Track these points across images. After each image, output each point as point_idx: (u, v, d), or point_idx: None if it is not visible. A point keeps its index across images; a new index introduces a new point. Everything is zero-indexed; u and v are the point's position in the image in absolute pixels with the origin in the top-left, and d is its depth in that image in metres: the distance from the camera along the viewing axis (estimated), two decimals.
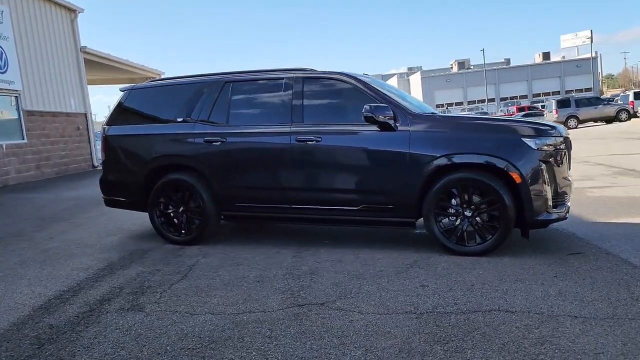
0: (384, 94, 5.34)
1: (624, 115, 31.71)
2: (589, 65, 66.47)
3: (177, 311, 3.80)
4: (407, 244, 5.56)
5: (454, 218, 5.05)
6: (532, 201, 4.76)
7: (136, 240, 6.29)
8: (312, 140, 5.34)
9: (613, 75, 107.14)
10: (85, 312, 3.85)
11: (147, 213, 6.15)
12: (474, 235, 4.98)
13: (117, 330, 3.49)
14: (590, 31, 64.25)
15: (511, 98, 65.47)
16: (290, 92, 5.55)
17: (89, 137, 16.84)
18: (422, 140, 5.04)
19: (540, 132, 4.90)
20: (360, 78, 5.53)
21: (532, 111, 38.52)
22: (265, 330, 3.40)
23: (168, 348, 3.19)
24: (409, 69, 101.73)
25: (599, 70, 70.97)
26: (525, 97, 65.95)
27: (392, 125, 5.09)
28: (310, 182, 5.42)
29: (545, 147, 4.82)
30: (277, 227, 6.78)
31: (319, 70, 5.75)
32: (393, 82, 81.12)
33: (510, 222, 4.82)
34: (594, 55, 67.32)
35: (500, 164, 4.79)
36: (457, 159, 4.92)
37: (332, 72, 5.60)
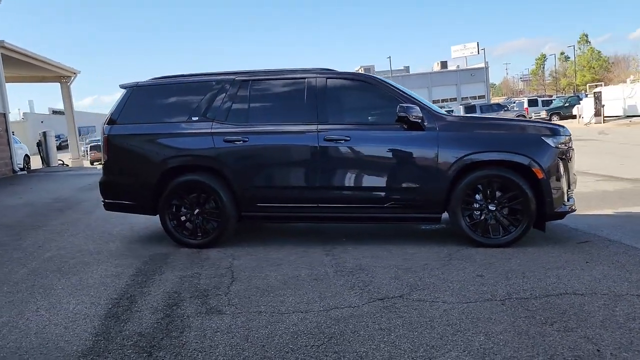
0: (408, 94, 5.55)
1: None
2: (481, 74, 71.78)
3: (260, 311, 3.73)
4: (424, 238, 5.79)
5: (478, 212, 5.36)
6: (552, 195, 5.18)
7: (144, 245, 5.97)
8: (341, 140, 5.41)
9: (495, 84, 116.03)
10: (164, 318, 3.66)
11: (148, 216, 5.89)
12: (498, 228, 5.31)
13: (219, 333, 3.37)
14: (477, 43, 70.04)
15: None
16: (313, 91, 5.58)
17: (8, 140, 15.39)
18: (450, 139, 5.30)
19: (556, 131, 5.35)
20: (382, 79, 5.71)
21: None
22: (371, 323, 3.45)
23: (291, 347, 3.14)
24: None
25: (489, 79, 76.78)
26: None
27: (421, 124, 5.30)
28: (339, 181, 5.49)
29: (560, 145, 5.28)
30: (278, 227, 6.74)
31: (339, 70, 5.83)
32: None
33: (532, 215, 5.21)
34: (484, 65, 72.82)
35: (524, 160, 5.17)
36: (484, 157, 5.23)
37: (355, 72, 5.74)
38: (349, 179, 5.49)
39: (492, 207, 5.31)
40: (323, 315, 3.63)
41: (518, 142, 5.26)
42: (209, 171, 5.69)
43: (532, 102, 39.05)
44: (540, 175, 5.17)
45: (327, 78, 5.66)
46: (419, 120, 5.28)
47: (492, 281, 4.22)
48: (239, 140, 5.58)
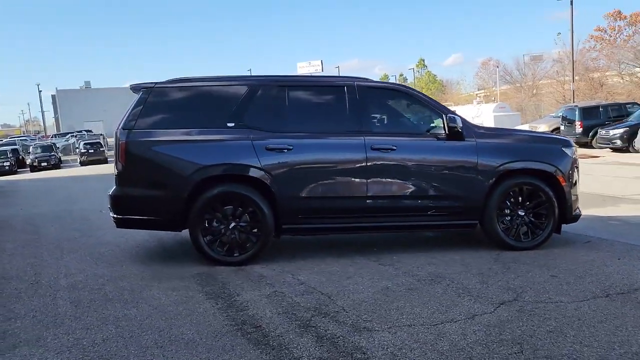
0: (440, 105, 5.76)
1: None
2: None
3: (410, 325, 3.61)
4: (448, 244, 5.99)
5: (509, 218, 5.72)
6: (571, 200, 5.75)
7: (168, 265, 5.38)
8: (388, 149, 5.42)
9: None
10: (326, 345, 3.35)
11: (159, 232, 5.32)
12: (527, 232, 5.73)
13: (405, 350, 3.20)
14: (321, 61, 74.03)
15: None
16: (355, 99, 5.51)
17: None
18: (487, 149, 5.60)
19: (570, 143, 5.96)
20: (416, 90, 5.85)
21: None
22: (529, 325, 3.53)
23: (487, 353, 3.11)
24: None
25: None
26: None
27: (462, 134, 5.54)
28: (385, 190, 5.48)
29: (574, 155, 5.88)
30: (288, 239, 6.47)
31: (375, 80, 5.85)
32: None
33: (556, 219, 5.71)
34: None
35: (551, 169, 5.66)
36: (518, 165, 5.62)
37: (391, 82, 5.81)
38: (394, 188, 5.51)
39: (521, 213, 5.70)
40: (474, 322, 3.63)
41: (544, 152, 5.75)
42: (248, 181, 5.29)
43: None
44: (563, 182, 5.70)
45: (367, 87, 5.64)
46: (462, 130, 5.51)
47: (571, 280, 4.54)
48: (284, 149, 5.29)
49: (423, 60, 65.74)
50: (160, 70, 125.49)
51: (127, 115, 5.30)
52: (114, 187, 5.33)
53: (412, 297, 4.21)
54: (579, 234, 6.22)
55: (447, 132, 5.48)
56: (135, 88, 5.45)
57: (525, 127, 26.80)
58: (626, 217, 7.30)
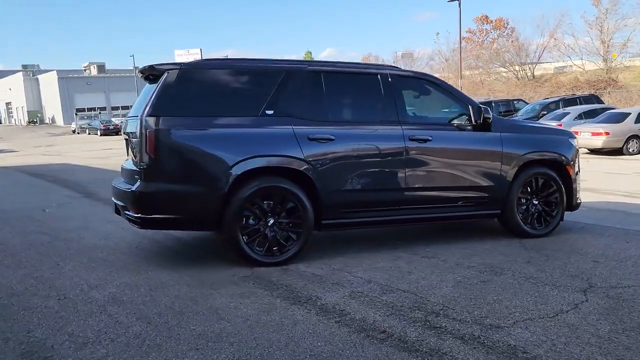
0: (466, 95, 5.79)
1: None
2: None
3: (531, 318, 3.54)
4: (458, 233, 6.06)
5: (525, 207, 5.92)
6: (576, 188, 6.10)
7: (194, 267, 4.76)
8: (425, 140, 5.33)
9: None
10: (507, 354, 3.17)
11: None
12: (540, 220, 5.97)
13: (564, 338, 3.13)
14: (200, 49, 72.11)
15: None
16: (390, 89, 5.33)
17: None
18: (510, 140, 5.73)
19: (573, 134, 6.31)
20: (442, 80, 5.81)
21: None
22: None
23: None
24: (24, 66, 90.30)
25: None
26: None
27: (490, 125, 5.61)
28: (422, 181, 5.39)
29: (577, 146, 6.25)
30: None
31: (404, 69, 5.70)
32: (17, 80, 70.54)
33: (564, 207, 6.03)
34: None
35: (561, 159, 5.96)
36: (536, 156, 5.83)
37: (420, 72, 5.69)
38: (430, 179, 5.43)
39: (535, 202, 5.93)
40: (584, 311, 3.65)
41: (556, 143, 6.02)
42: (289, 174, 4.88)
43: None
44: (571, 172, 6.02)
45: (399, 75, 5.49)
46: (491, 121, 5.58)
47: (614, 264, 4.79)
48: (326, 139, 4.96)
49: (310, 53, 66.33)
50: None
51: (152, 100, 4.60)
52: (138, 182, 4.61)
53: (494, 289, 4.15)
54: (566, 222, 6.59)
55: (477, 122, 5.50)
56: (160, 68, 4.76)
57: None
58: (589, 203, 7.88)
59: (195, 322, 3.51)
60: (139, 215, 4.61)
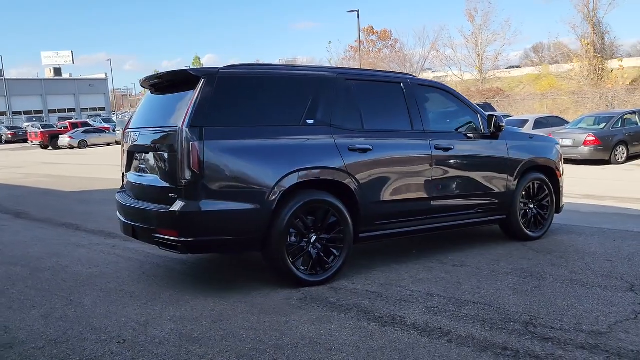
0: (475, 105, 5.94)
1: None
2: (102, 84, 69.07)
3: (613, 324, 3.68)
4: (458, 239, 6.22)
5: (523, 212, 6.20)
6: (562, 192, 6.52)
7: (231, 290, 4.34)
8: (448, 148, 5.37)
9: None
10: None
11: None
12: (536, 223, 6.28)
13: None
14: (71, 52, 68.20)
15: (25, 112, 60.51)
16: (413, 97, 5.30)
17: None
18: (514, 147, 5.97)
19: (557, 141, 6.72)
20: (453, 89, 5.90)
21: (89, 127, 37.14)
22: None
23: None
24: None
25: (111, 90, 74.61)
26: (40, 112, 62.28)
27: (499, 133, 5.80)
28: (445, 189, 5.41)
29: (561, 152, 6.67)
30: None
31: (421, 78, 5.68)
32: None
33: (554, 210, 6.41)
34: (104, 76, 70.45)
35: (552, 165, 6.34)
36: (534, 162, 6.13)
37: (436, 81, 5.72)
38: (452, 187, 5.47)
39: (531, 206, 6.23)
40: None
41: (546, 149, 6.37)
42: (333, 187, 4.65)
43: None
44: (559, 176, 6.42)
45: (419, 84, 5.49)
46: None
47: (625, 262, 5.17)
48: (365, 150, 4.79)
49: (199, 58, 64.52)
50: None
51: (191, 109, 4.11)
52: (178, 201, 4.09)
53: (552, 294, 4.23)
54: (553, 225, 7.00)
55: (492, 130, 5.65)
56: (195, 73, 4.27)
57: None
58: None
59: (307, 356, 3.17)
60: (181, 239, 4.08)
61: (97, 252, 5.89)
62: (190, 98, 4.17)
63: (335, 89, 4.80)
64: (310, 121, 4.60)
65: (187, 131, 4.04)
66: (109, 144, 33.77)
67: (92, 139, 33.31)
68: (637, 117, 16.65)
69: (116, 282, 4.70)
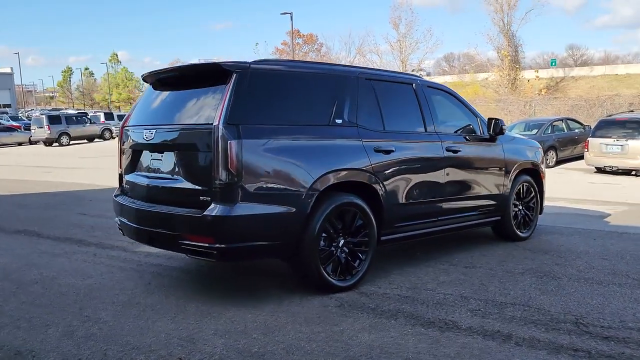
0: (475, 109, 6.03)
1: (108, 134, 33.81)
2: (6, 79, 64.07)
3: None
4: (455, 242, 6.31)
5: (514, 213, 6.37)
6: (544, 193, 6.79)
7: (260, 301, 4.07)
8: (456, 151, 5.40)
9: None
10: None
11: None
12: (524, 224, 6.47)
13: None
14: None
15: None
16: (424, 99, 5.28)
17: None
18: (509, 150, 6.13)
19: (539, 144, 6.98)
20: (455, 92, 5.95)
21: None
22: None
23: None
24: None
25: (15, 85, 69.32)
26: None
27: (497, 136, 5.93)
28: (455, 192, 5.43)
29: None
30: None
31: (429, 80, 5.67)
32: None
33: (538, 211, 6.65)
34: (9, 70, 65.45)
35: (538, 167, 6.58)
36: (525, 165, 6.32)
37: (440, 84, 5.73)
38: (460, 189, 5.50)
39: (520, 207, 6.43)
40: None
41: (533, 152, 6.59)
42: (358, 189, 4.50)
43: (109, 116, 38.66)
44: (543, 178, 6.68)
45: (428, 86, 5.48)
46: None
47: (619, 259, 5.44)
48: (388, 151, 4.70)
49: (116, 55, 61.58)
50: None
51: (226, 105, 3.79)
52: (213, 205, 3.76)
53: (578, 292, 4.33)
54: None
55: (494, 133, 5.75)
56: (227, 66, 3.94)
57: None
58: None
59: None
60: (216, 245, 3.75)
61: (79, 262, 5.35)
62: (223, 94, 3.87)
63: (358, 88, 4.67)
64: (339, 121, 4.43)
65: (225, 129, 3.73)
66: (20, 144, 31.36)
67: (2, 138, 30.72)
68: (564, 124, 17.81)
69: (125, 295, 4.27)
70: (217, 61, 4.02)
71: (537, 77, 37.28)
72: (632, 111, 16.46)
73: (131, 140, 4.61)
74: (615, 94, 20.85)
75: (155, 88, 4.68)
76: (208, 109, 3.93)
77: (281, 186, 3.99)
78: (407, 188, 4.90)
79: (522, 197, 6.34)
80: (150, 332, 3.48)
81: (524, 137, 8.24)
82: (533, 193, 6.43)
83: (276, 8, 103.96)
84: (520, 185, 6.26)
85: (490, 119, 5.82)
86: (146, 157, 4.44)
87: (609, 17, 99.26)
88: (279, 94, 4.19)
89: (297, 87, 4.33)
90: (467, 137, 5.67)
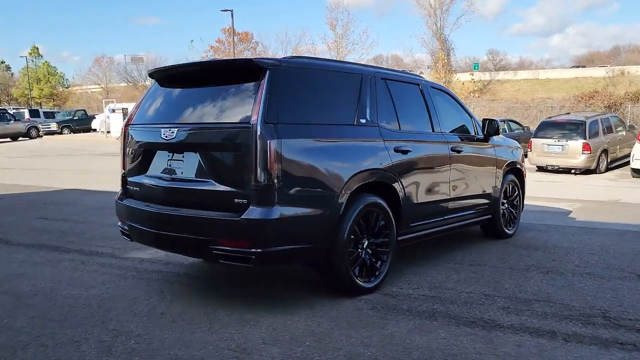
0: (469, 109, 6.16)
1: (34, 132, 31.79)
2: None
3: None
4: (450, 242, 6.43)
5: (501, 211, 6.57)
6: (525, 190, 7.06)
7: (292, 308, 3.95)
8: (459, 151, 5.50)
9: None
10: None
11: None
12: (510, 222, 6.68)
13: None
14: None
15: None
16: (430, 99, 5.34)
17: None
18: (499, 150, 6.32)
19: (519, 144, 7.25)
20: (452, 92, 6.05)
21: None
22: None
23: None
24: None
25: None
26: None
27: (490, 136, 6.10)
28: (458, 191, 5.51)
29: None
30: None
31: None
32: None
33: (521, 209, 6.90)
34: None
35: (521, 166, 6.83)
36: (512, 164, 6.54)
37: (441, 84, 5.80)
38: (462, 188, 5.59)
39: (506, 205, 6.65)
40: None
41: (517, 152, 6.83)
42: (381, 189, 4.47)
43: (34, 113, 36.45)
44: (525, 176, 6.94)
45: (431, 87, 5.54)
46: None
47: (605, 254, 5.74)
48: (406, 151, 4.70)
49: (37, 49, 57.93)
50: None
51: (262, 103, 3.62)
52: (253, 208, 3.57)
53: (587, 288, 4.50)
54: None
55: (490, 133, 5.91)
56: (261, 63, 3.76)
57: None
58: None
59: None
60: (254, 250, 3.58)
61: (70, 270, 4.95)
62: (257, 91, 3.70)
63: (376, 87, 4.62)
64: (363, 120, 4.37)
65: (263, 128, 3.56)
66: None
67: None
68: (506, 125, 18.65)
69: (143, 305, 3.99)
70: (251, 57, 3.83)
71: (473, 80, 38.89)
72: (568, 113, 17.53)
73: (142, 140, 4.32)
74: (548, 97, 22.22)
75: (165, 85, 4.41)
76: (240, 107, 3.75)
77: (317, 187, 3.87)
78: (421, 188, 4.91)
79: (508, 195, 6.55)
80: (195, 343, 3.26)
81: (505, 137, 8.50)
82: (517, 191, 6.66)
83: (208, 6, 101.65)
84: (507, 184, 6.46)
85: (485, 120, 5.97)
86: (162, 158, 4.17)
87: (523, 25, 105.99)
88: (309, 91, 4.07)
89: (325, 85, 4.23)
90: (467, 137, 5.78)
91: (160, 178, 4.15)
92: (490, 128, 5.89)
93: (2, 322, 3.64)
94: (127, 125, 4.50)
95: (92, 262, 5.27)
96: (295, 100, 3.89)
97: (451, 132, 5.59)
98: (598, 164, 15.09)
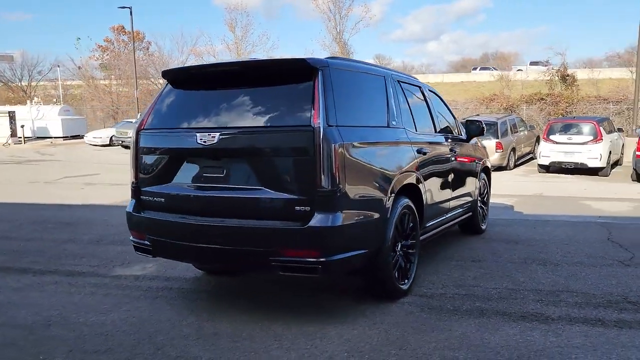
0: (450, 109, 6.37)
1: None
2: None
3: None
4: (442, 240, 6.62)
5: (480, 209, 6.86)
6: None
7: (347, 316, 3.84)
8: (455, 150, 5.67)
9: None
10: None
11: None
12: (484, 217, 7.01)
13: None
14: None
15: None
16: (430, 100, 5.48)
17: None
18: (477, 150, 6.61)
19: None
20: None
21: None
22: None
23: None
24: None
25: None
26: None
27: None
28: (455, 190, 5.65)
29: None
30: None
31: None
32: None
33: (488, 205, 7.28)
34: None
35: (489, 165, 7.20)
36: (484, 163, 6.87)
37: (433, 87, 5.92)
38: (458, 186, 5.75)
39: (480, 203, 6.97)
40: None
41: (485, 150, 7.18)
42: (412, 191, 4.47)
43: None
44: (491, 175, 7.32)
45: (428, 89, 5.65)
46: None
47: (581, 244, 6.23)
48: (425, 152, 4.75)
49: None
50: None
51: (320, 105, 3.45)
52: (318, 215, 3.38)
53: (597, 277, 4.83)
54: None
55: (476, 133, 6.15)
56: (312, 62, 3.57)
57: (100, 132, 26.08)
58: None
59: None
60: (322, 259, 3.40)
61: (64, 294, 4.41)
62: (311, 92, 3.52)
63: (395, 90, 4.62)
64: (394, 122, 4.35)
65: (327, 131, 3.40)
66: None
67: None
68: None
69: (184, 326, 3.63)
70: (303, 57, 3.64)
71: None
72: (478, 115, 18.74)
73: (164, 146, 3.93)
74: (452, 100, 23.63)
75: (186, 86, 4.06)
76: (292, 109, 3.55)
77: (371, 191, 3.79)
78: (435, 188, 5.00)
79: (481, 192, 6.85)
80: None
81: None
82: (486, 189, 6.99)
83: (87, 3, 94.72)
84: (481, 182, 6.76)
85: (468, 121, 6.19)
86: (194, 165, 3.83)
87: (402, 32, 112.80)
88: (354, 93, 3.96)
89: (363, 86, 4.15)
90: (457, 138, 5.95)
91: (195, 187, 3.81)
92: (474, 129, 6.12)
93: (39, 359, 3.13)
94: (139, 131, 4.08)
95: (82, 283, 4.73)
96: (344, 101, 3.76)
97: (447, 133, 5.73)
98: (508, 161, 16.27)
